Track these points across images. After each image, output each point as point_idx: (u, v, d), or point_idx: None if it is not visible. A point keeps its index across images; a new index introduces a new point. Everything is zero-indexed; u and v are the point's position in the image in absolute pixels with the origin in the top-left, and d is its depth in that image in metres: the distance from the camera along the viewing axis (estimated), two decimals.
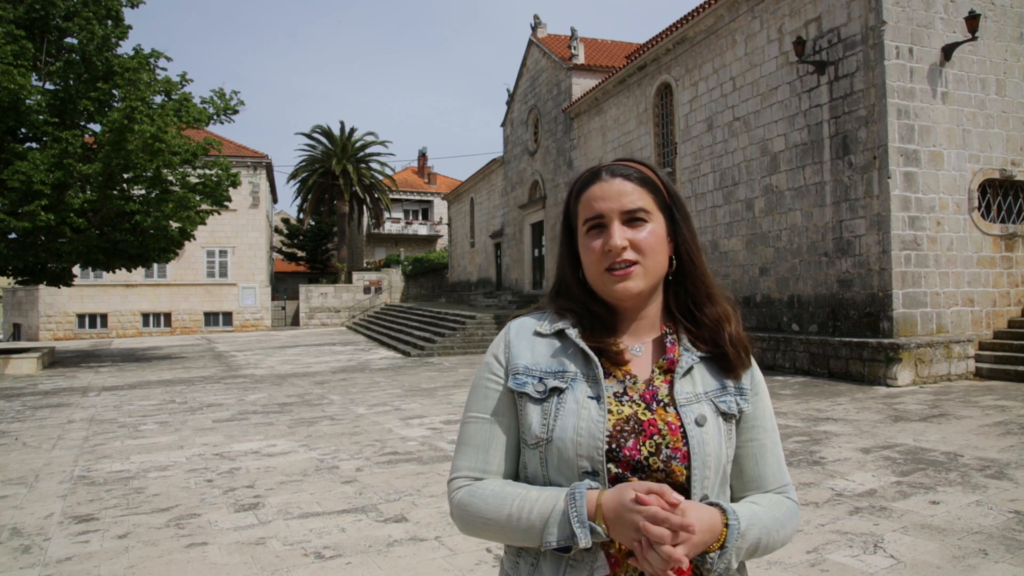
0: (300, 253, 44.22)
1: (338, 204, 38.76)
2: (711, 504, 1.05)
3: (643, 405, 1.10)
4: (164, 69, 17.65)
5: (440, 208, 46.55)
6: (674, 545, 0.96)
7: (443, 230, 45.54)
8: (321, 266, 43.30)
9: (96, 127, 17.11)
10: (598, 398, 1.09)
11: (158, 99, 17.03)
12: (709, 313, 1.18)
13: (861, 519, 4.22)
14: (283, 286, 41.38)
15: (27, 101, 15.39)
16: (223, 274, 32.67)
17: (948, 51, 10.42)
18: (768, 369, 11.78)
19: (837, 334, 10.91)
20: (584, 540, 0.99)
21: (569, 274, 1.20)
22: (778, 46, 12.32)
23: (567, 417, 1.08)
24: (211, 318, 32.56)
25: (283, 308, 36.37)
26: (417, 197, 47.72)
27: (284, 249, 44.66)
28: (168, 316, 31.95)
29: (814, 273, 11.54)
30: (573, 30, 21.48)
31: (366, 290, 35.63)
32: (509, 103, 26.77)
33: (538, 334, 1.17)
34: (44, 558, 3.97)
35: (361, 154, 39.36)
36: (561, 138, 21.72)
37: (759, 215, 12.82)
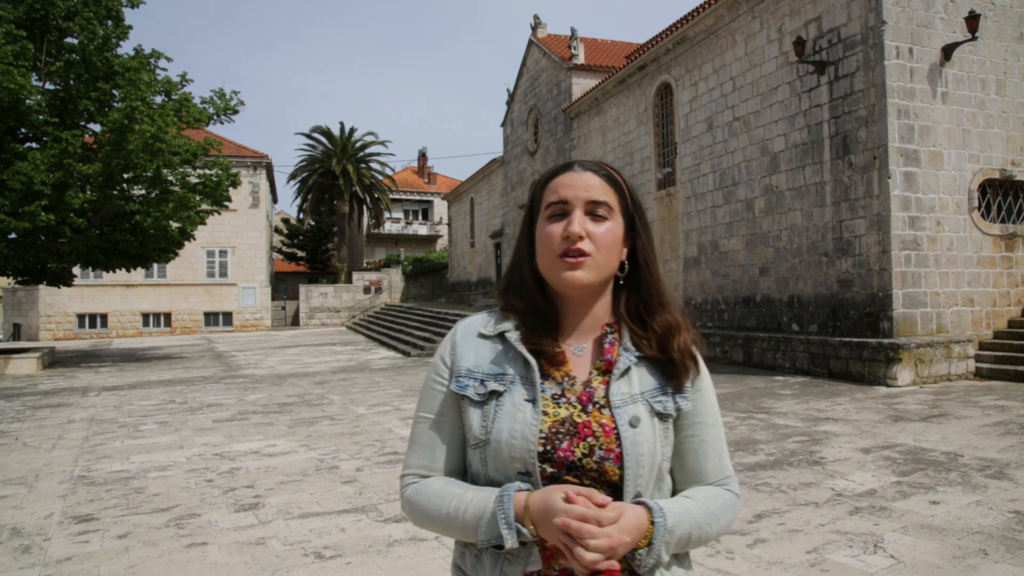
0: (300, 253, 44.22)
1: (338, 204, 38.77)
2: (638, 503, 1.08)
3: (579, 407, 1.13)
4: (164, 69, 17.66)
5: (440, 208, 46.53)
6: (602, 547, 0.98)
7: (443, 230, 45.52)
8: (321, 266, 43.31)
9: (96, 127, 17.10)
10: (533, 401, 1.12)
11: (158, 99, 17.03)
12: (660, 320, 1.19)
13: (861, 519, 4.22)
14: (283, 286, 41.38)
15: (27, 101, 15.39)
16: (223, 274, 32.67)
17: (948, 51, 10.42)
18: (768, 369, 11.78)
19: (837, 334, 10.91)
20: (511, 541, 1.03)
21: (525, 261, 1.22)
22: (778, 46, 12.32)
23: (503, 420, 1.12)
24: (211, 318, 32.56)
25: (283, 308, 36.36)
26: (417, 197, 47.72)
27: (284, 249, 44.66)
28: (168, 316, 31.95)
29: (814, 273, 11.54)
30: (573, 30, 21.47)
31: (366, 290, 35.62)
32: (509, 103, 26.77)
33: (482, 336, 1.21)
34: (44, 558, 3.97)
35: (361, 154, 39.36)
36: (561, 138, 21.72)
37: (759, 215, 12.82)
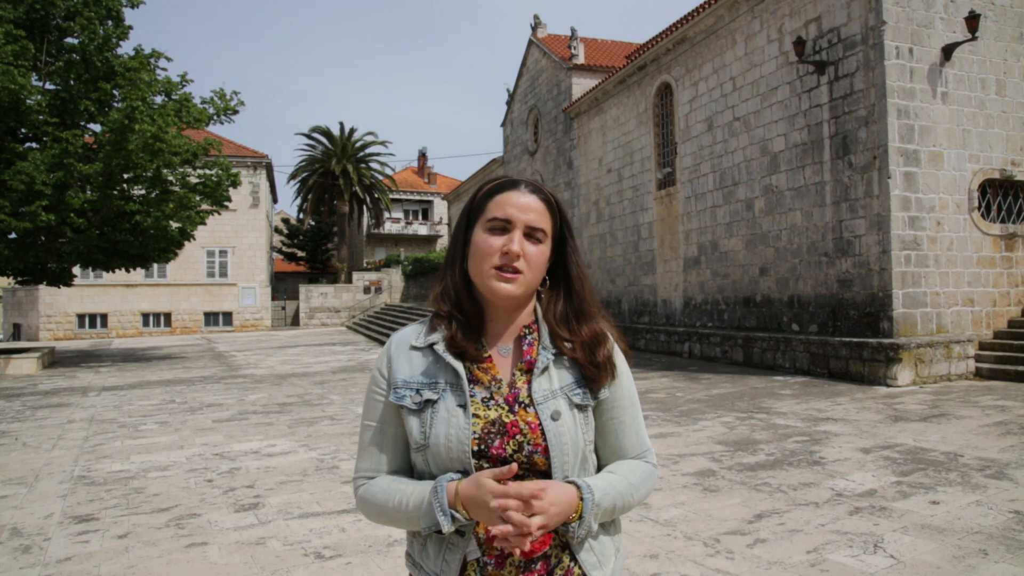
0: (300, 253, 44.20)
1: (338, 204, 38.76)
2: (569, 482, 1.21)
3: (507, 408, 1.25)
4: (164, 69, 17.65)
5: (440, 208, 46.52)
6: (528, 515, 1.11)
7: (443, 230, 45.51)
8: (321, 266, 43.29)
9: (96, 127, 17.10)
10: (464, 406, 1.24)
11: (158, 99, 17.02)
12: (587, 329, 1.33)
13: (861, 519, 4.22)
14: (283, 286, 41.38)
15: (27, 101, 15.38)
16: (223, 274, 32.67)
17: (948, 51, 10.42)
18: (768, 369, 11.78)
19: (837, 334, 10.91)
20: (446, 526, 1.16)
21: (457, 263, 1.33)
22: (778, 46, 12.32)
23: (440, 425, 1.24)
24: (211, 318, 32.56)
25: (283, 308, 36.36)
26: (417, 197, 47.69)
27: (284, 249, 44.65)
28: (168, 316, 31.95)
29: (814, 273, 11.54)
30: (573, 30, 21.47)
31: (366, 290, 35.62)
32: (509, 103, 26.77)
33: (414, 348, 1.32)
34: (44, 558, 3.97)
35: (361, 154, 39.34)
36: (561, 138, 21.72)
37: (759, 215, 12.82)
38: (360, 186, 38.45)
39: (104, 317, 31.08)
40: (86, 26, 15.55)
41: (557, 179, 22.13)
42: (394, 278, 37.46)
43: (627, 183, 17.55)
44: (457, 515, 1.16)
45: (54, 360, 18.90)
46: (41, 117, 15.82)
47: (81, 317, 30.79)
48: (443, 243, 45.11)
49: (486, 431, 1.22)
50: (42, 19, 16.31)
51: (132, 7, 17.28)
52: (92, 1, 16.17)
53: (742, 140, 13.25)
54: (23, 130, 16.57)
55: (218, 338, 28.28)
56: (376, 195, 39.98)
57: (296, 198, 40.23)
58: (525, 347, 1.31)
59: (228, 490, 5.37)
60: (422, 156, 50.95)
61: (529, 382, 1.27)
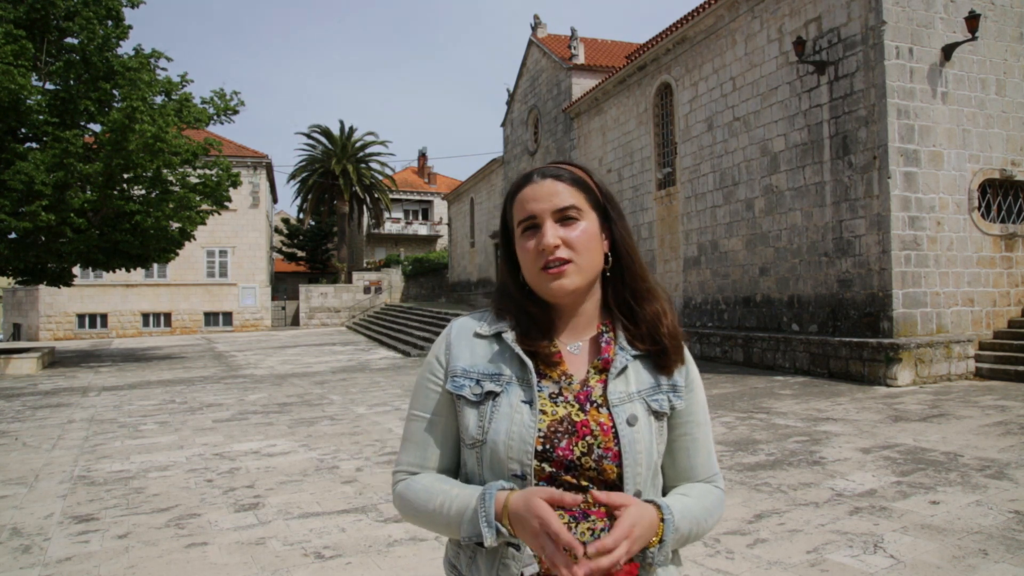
0: (300, 253, 44.21)
1: (338, 204, 38.76)
2: (647, 501, 1.09)
3: (577, 406, 1.14)
4: (164, 69, 17.68)
5: (440, 208, 46.52)
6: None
7: (443, 230, 45.51)
8: (321, 266, 43.32)
9: (97, 127, 17.10)
10: (531, 403, 1.12)
11: (159, 99, 17.02)
12: (648, 309, 1.20)
13: (861, 519, 4.22)
14: (283, 286, 41.39)
15: (27, 101, 15.38)
16: (223, 274, 32.66)
17: (948, 51, 10.42)
18: (768, 369, 11.78)
19: (837, 334, 10.91)
20: (490, 539, 1.04)
21: (508, 276, 1.24)
22: (778, 46, 12.32)
23: (500, 421, 1.12)
24: (211, 318, 32.56)
25: (283, 308, 36.37)
26: (417, 197, 47.71)
27: (284, 249, 44.67)
28: (168, 316, 31.94)
29: (814, 273, 11.54)
30: (573, 30, 21.47)
31: (366, 290, 35.62)
32: (509, 103, 26.76)
33: (478, 336, 1.21)
34: (44, 558, 3.97)
35: (361, 154, 39.36)
36: (561, 138, 21.72)
37: (759, 215, 12.82)
38: (360, 186, 38.46)
39: (104, 317, 31.08)
40: (86, 26, 15.55)
41: None
42: (394, 278, 37.46)
43: (627, 183, 17.55)
44: (502, 529, 1.04)
45: (54, 360, 18.90)
46: (41, 117, 15.82)
47: (81, 317, 30.79)
48: (443, 243, 45.11)
49: (552, 429, 1.11)
50: (42, 19, 16.31)
51: (132, 7, 17.28)
52: (92, 1, 16.17)
53: (742, 140, 13.25)
54: (23, 130, 16.57)
55: (218, 338, 28.28)
56: (376, 195, 39.99)
57: (296, 198, 40.29)
58: (603, 345, 1.20)
59: (228, 490, 5.37)
60: (422, 156, 50.95)
61: (604, 382, 1.16)
